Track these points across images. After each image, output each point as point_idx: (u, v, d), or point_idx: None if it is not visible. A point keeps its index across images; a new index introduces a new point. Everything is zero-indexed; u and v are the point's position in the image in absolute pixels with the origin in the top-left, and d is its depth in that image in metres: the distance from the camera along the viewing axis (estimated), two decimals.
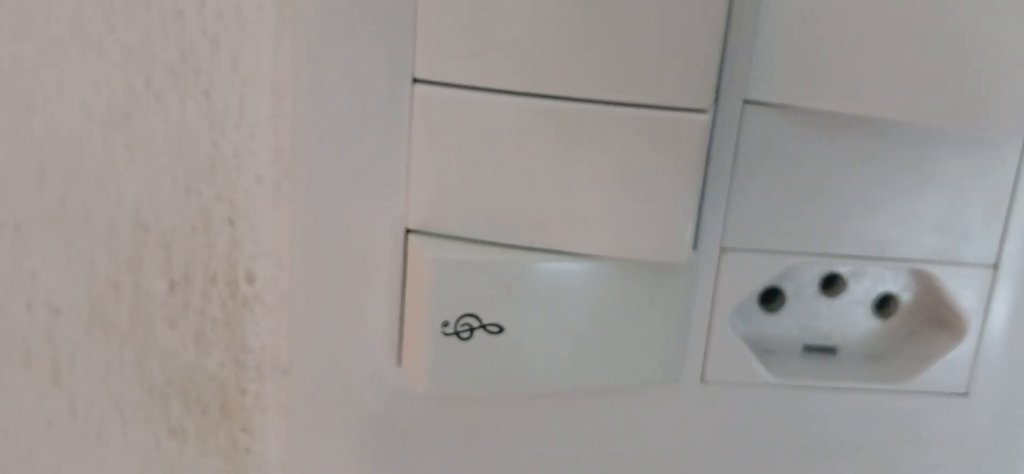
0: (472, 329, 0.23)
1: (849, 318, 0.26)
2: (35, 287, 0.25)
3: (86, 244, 0.24)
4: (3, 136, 0.24)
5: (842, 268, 0.25)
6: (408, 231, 0.23)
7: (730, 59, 0.22)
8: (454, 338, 0.23)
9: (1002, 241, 0.25)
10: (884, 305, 0.26)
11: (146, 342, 0.25)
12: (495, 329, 0.23)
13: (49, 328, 0.25)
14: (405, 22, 0.22)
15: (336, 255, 0.23)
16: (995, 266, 0.25)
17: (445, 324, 0.23)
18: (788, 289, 0.26)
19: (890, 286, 0.26)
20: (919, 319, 0.26)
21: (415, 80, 0.22)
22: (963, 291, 0.25)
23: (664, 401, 0.25)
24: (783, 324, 0.26)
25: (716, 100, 0.23)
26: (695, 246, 0.24)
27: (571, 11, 0.21)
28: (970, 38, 0.21)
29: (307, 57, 0.22)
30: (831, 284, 0.26)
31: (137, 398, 0.26)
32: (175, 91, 0.23)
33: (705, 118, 0.22)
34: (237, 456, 0.26)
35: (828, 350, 0.26)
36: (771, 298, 0.26)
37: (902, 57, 0.22)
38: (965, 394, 0.26)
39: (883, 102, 0.22)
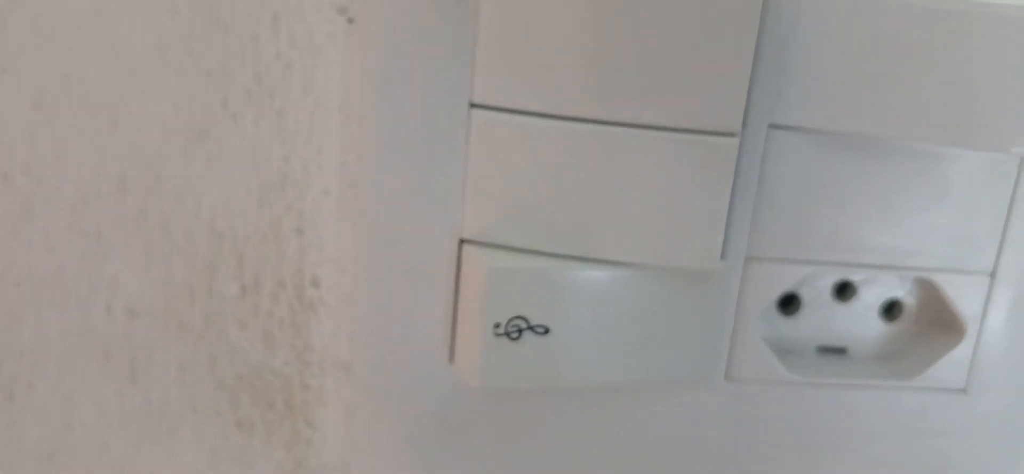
0: (521, 330, 0.25)
1: (860, 321, 0.28)
2: (115, 291, 0.27)
3: (164, 251, 0.26)
4: (88, 150, 0.26)
5: (854, 276, 0.28)
6: (462, 241, 0.26)
7: (757, 88, 0.24)
8: (504, 338, 0.25)
9: (999, 252, 0.27)
10: (891, 309, 0.28)
11: (218, 342, 0.27)
12: (542, 330, 0.25)
13: (127, 329, 0.27)
14: (465, 52, 0.24)
15: (396, 262, 0.26)
16: (992, 274, 0.27)
17: (497, 326, 0.25)
18: (805, 295, 0.28)
19: (897, 292, 0.28)
20: (923, 322, 0.28)
21: (472, 105, 0.24)
22: (963, 297, 0.27)
23: (694, 396, 0.27)
24: (800, 327, 0.28)
25: (744, 124, 0.25)
26: (723, 255, 0.26)
27: (614, 45, 0.23)
28: (969, 67, 0.24)
29: (374, 81, 0.24)
30: (843, 290, 0.28)
31: (208, 393, 0.28)
32: (250, 111, 0.25)
33: (734, 141, 0.24)
34: (299, 447, 0.28)
35: (840, 350, 0.28)
36: (789, 303, 0.28)
37: (909, 84, 0.24)
38: (964, 390, 0.28)
39: (893, 125, 0.24)
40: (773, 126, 0.25)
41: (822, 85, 0.24)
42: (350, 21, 0.25)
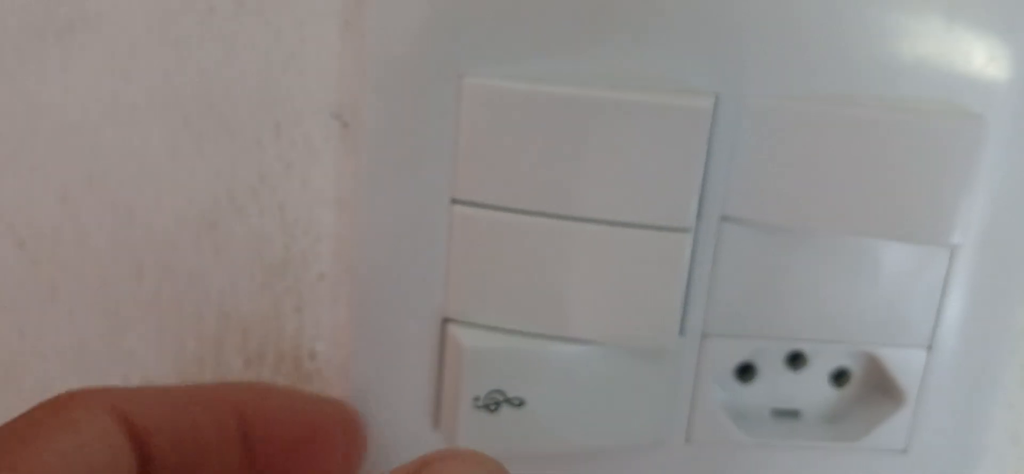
0: (499, 402, 0.28)
1: (810, 388, 0.30)
2: (131, 363, 0.30)
3: (176, 328, 0.29)
4: (108, 239, 0.28)
5: (804, 347, 0.30)
6: (445, 319, 0.28)
7: (709, 185, 0.27)
8: (483, 410, 0.28)
9: (935, 327, 0.29)
10: (839, 377, 0.30)
11: None
12: (518, 402, 0.28)
13: None
14: (447, 154, 0.26)
15: (385, 338, 0.28)
16: (930, 347, 0.29)
17: (476, 398, 0.27)
18: (759, 364, 0.30)
19: (844, 362, 0.30)
20: (868, 389, 0.30)
21: (453, 200, 0.27)
22: (902, 368, 0.29)
23: (657, 458, 0.30)
24: (755, 392, 0.30)
25: (699, 216, 0.27)
26: (682, 332, 0.28)
27: (579, 150, 0.25)
28: (899, 167, 0.26)
29: (365, 178, 0.27)
30: (795, 360, 0.30)
31: None
32: (254, 205, 0.28)
33: (688, 236, 0.27)
34: None
35: (793, 414, 0.31)
36: (745, 371, 0.30)
37: (846, 183, 0.26)
38: (904, 451, 0.30)
39: (832, 220, 0.27)
40: (724, 218, 0.28)
41: (767, 184, 0.27)
42: (344, 125, 0.27)
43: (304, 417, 0.26)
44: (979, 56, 0.27)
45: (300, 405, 0.27)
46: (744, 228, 0.28)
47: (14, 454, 0.20)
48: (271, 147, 0.27)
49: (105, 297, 0.29)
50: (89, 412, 0.22)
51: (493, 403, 0.28)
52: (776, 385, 0.30)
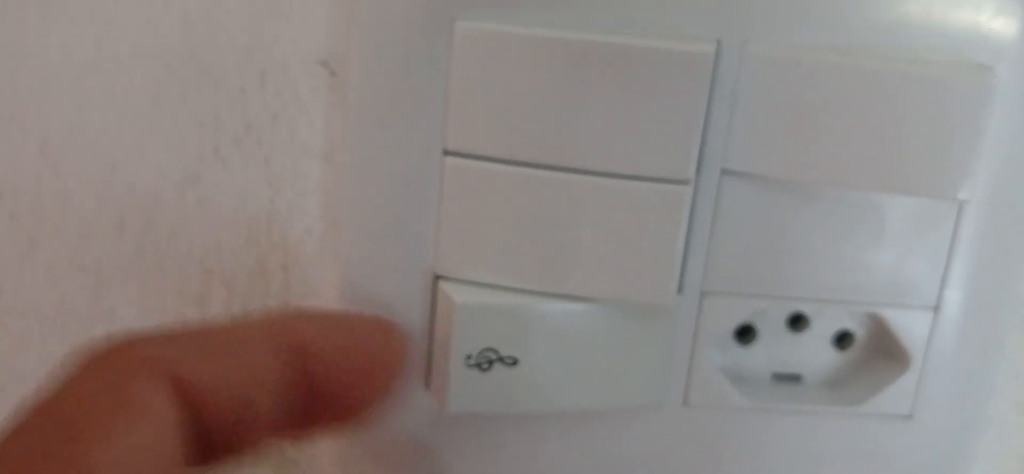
0: (491, 361, 0.27)
1: (812, 351, 0.30)
2: (112, 321, 0.29)
3: (158, 286, 0.28)
4: (89, 192, 0.27)
5: (806, 308, 0.29)
6: (437, 277, 0.27)
7: (709, 137, 0.26)
8: (475, 369, 0.27)
9: (941, 287, 0.28)
10: (842, 340, 0.30)
11: None
12: (511, 361, 0.27)
13: None
14: (438, 104, 0.25)
15: (375, 297, 0.27)
16: (936, 308, 0.29)
17: (468, 357, 0.27)
18: (759, 326, 0.29)
19: (847, 324, 0.30)
20: (871, 352, 0.30)
21: (445, 152, 0.26)
22: (908, 330, 0.29)
23: (653, 421, 0.29)
24: (755, 356, 0.30)
25: (698, 171, 0.26)
26: (680, 290, 0.27)
27: (575, 99, 0.25)
28: (906, 117, 0.25)
29: (353, 129, 0.26)
30: (796, 322, 0.29)
31: None
32: (239, 157, 0.27)
33: (688, 188, 0.26)
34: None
35: (794, 378, 0.30)
36: (745, 333, 0.29)
37: (851, 137, 0.25)
38: (909, 416, 0.30)
39: (838, 174, 0.26)
40: (725, 172, 0.27)
41: (769, 137, 0.26)
42: (332, 74, 0.27)
43: (361, 343, 0.25)
44: (988, 7, 0.26)
45: (354, 329, 0.25)
46: (745, 182, 0.27)
47: (79, 462, 0.18)
48: (256, 97, 0.27)
49: (85, 253, 0.28)
50: (152, 392, 0.19)
51: (485, 362, 0.27)
52: (776, 348, 0.30)
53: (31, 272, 0.28)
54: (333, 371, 0.23)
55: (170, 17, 0.26)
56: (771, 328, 0.29)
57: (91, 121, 0.27)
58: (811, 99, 0.25)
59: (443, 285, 0.27)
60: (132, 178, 0.27)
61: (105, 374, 0.19)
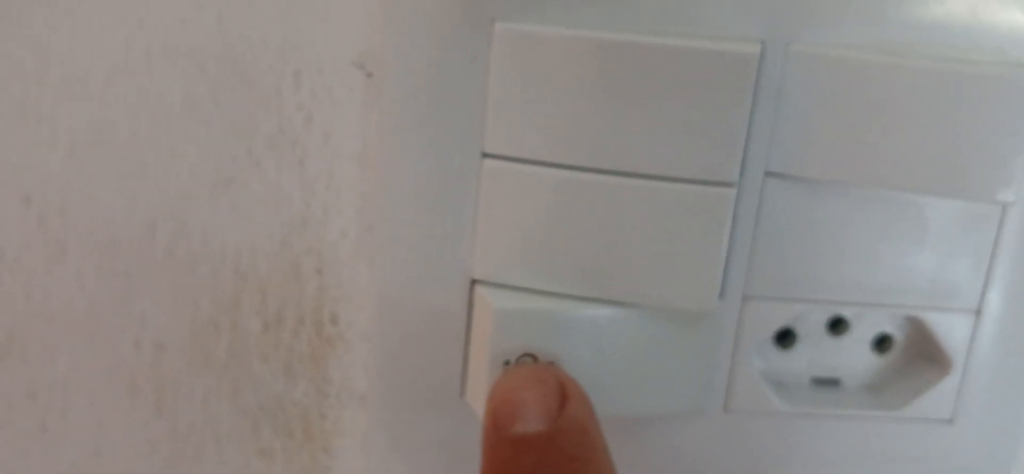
0: None
1: (852, 355, 0.29)
2: (143, 327, 0.28)
3: (190, 290, 0.28)
4: (119, 195, 0.27)
5: (846, 312, 0.29)
6: (474, 281, 0.27)
7: (753, 139, 0.26)
8: None
9: (984, 291, 0.28)
10: (882, 343, 0.29)
11: (241, 374, 0.29)
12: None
13: (154, 362, 0.28)
14: (477, 105, 0.25)
15: (411, 300, 0.27)
16: (978, 312, 0.28)
17: (506, 363, 0.26)
18: (800, 330, 0.29)
19: (887, 328, 0.29)
20: (912, 356, 0.29)
21: (484, 154, 0.26)
22: (950, 333, 0.28)
23: (694, 428, 0.29)
24: (795, 359, 0.29)
25: (742, 173, 0.26)
26: (721, 295, 0.27)
27: (617, 99, 0.24)
28: (951, 120, 0.25)
29: (390, 131, 0.26)
30: (837, 325, 0.29)
31: (231, 423, 0.29)
32: (273, 159, 0.27)
33: (732, 191, 0.25)
34: (316, 473, 0.30)
35: (833, 382, 0.30)
36: (785, 337, 0.29)
37: (894, 137, 0.25)
38: (950, 421, 0.29)
39: (880, 175, 0.26)
40: (769, 174, 0.26)
41: (812, 138, 0.26)
42: (368, 75, 0.26)
43: None
44: None
45: None
46: (788, 184, 0.26)
47: None
48: (291, 98, 0.26)
49: (115, 257, 0.28)
50: None
51: None
52: (816, 352, 0.29)
53: (60, 277, 0.28)
54: None
55: (203, 16, 0.26)
56: (811, 332, 0.29)
57: (121, 123, 0.26)
58: (855, 99, 0.25)
59: (480, 289, 0.27)
60: (163, 181, 0.27)
61: None
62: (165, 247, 0.27)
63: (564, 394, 0.24)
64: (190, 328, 0.28)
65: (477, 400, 0.27)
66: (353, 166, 0.27)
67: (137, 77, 0.26)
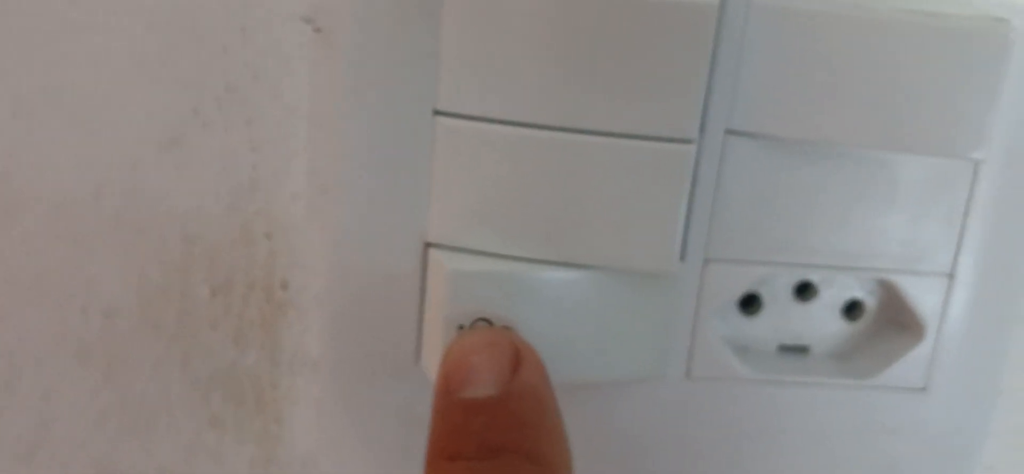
0: None
1: (820, 321, 0.29)
2: (90, 294, 0.27)
3: (138, 255, 0.27)
4: (65, 158, 0.26)
5: (813, 276, 0.28)
6: (428, 244, 0.26)
7: (714, 95, 0.25)
8: None
9: (957, 253, 0.27)
10: (851, 309, 0.29)
11: (191, 342, 0.28)
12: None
13: (102, 330, 0.28)
14: (429, 60, 0.24)
15: (363, 264, 0.26)
16: (951, 275, 0.28)
17: (461, 327, 0.26)
18: (765, 295, 0.28)
19: (857, 292, 0.28)
20: (883, 322, 0.29)
21: (436, 112, 0.25)
22: (922, 297, 0.28)
23: (654, 395, 0.28)
24: (760, 326, 0.29)
25: (701, 130, 0.25)
26: (682, 257, 0.26)
27: (574, 54, 0.23)
28: (920, 75, 0.24)
29: (341, 89, 0.25)
30: (804, 290, 0.28)
31: (181, 392, 0.28)
32: (220, 118, 0.26)
33: (691, 148, 0.24)
34: (268, 443, 0.29)
35: (801, 349, 0.29)
36: (749, 303, 0.28)
37: (862, 92, 0.24)
38: (923, 389, 0.29)
39: (848, 132, 0.25)
40: (730, 132, 0.26)
41: (776, 93, 0.25)
42: (317, 31, 0.25)
43: None
44: None
45: None
46: (751, 142, 0.26)
47: None
48: (238, 54, 0.25)
49: (61, 221, 0.27)
50: None
51: None
52: (783, 318, 0.29)
53: (6, 242, 0.27)
54: None
55: None
56: (777, 297, 0.28)
57: (66, 82, 0.26)
58: (821, 53, 0.24)
59: (434, 252, 0.26)
60: (110, 142, 0.26)
61: None
62: (112, 211, 0.27)
63: (517, 359, 0.23)
64: (138, 295, 0.27)
65: (431, 366, 0.26)
66: (303, 125, 0.26)
67: (82, 35, 0.25)
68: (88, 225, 0.27)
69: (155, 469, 0.29)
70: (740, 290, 0.27)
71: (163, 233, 0.27)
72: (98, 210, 0.27)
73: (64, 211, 0.27)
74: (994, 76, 0.24)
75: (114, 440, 0.29)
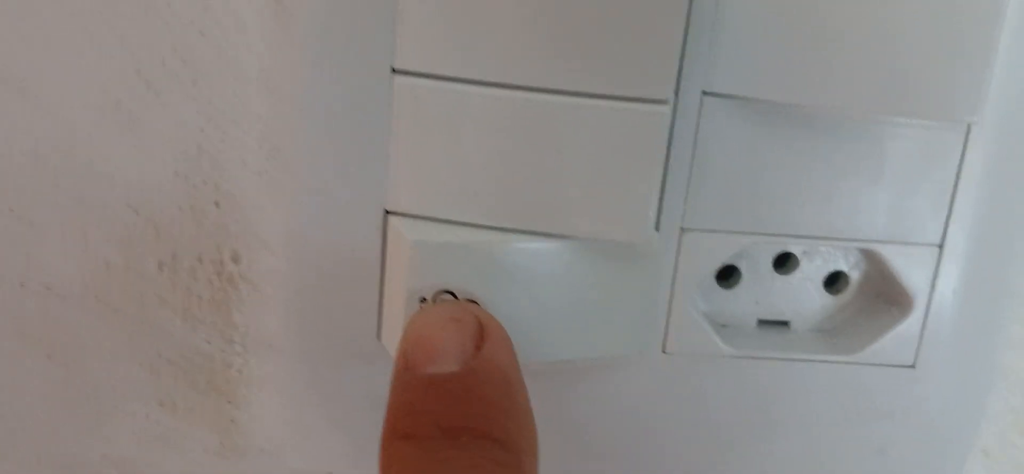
0: None
1: (801, 294, 0.27)
2: (29, 268, 0.26)
3: (79, 226, 0.25)
4: (2, 122, 0.25)
5: (794, 247, 0.27)
6: (388, 212, 0.25)
7: (690, 54, 0.24)
8: None
9: (947, 222, 0.26)
10: (834, 282, 0.27)
11: (138, 319, 0.26)
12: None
13: (44, 306, 0.26)
14: (385, 17, 0.23)
15: (320, 235, 0.25)
16: (940, 246, 0.26)
17: (423, 300, 0.24)
18: (744, 267, 0.27)
19: (840, 264, 0.27)
20: (868, 296, 0.28)
21: (394, 70, 0.23)
22: (910, 269, 0.26)
23: (629, 372, 0.27)
24: (739, 299, 0.27)
25: (677, 92, 0.24)
26: (657, 227, 0.25)
27: (540, 9, 0.22)
28: (911, 34, 0.23)
29: (292, 47, 0.23)
30: (784, 262, 0.27)
31: (129, 372, 0.27)
32: (166, 82, 0.24)
33: (666, 109, 0.23)
34: (222, 426, 0.28)
35: (781, 324, 0.28)
36: (728, 275, 0.27)
37: (849, 53, 0.23)
38: (913, 366, 0.27)
39: (833, 95, 0.23)
40: (707, 93, 0.24)
41: (757, 52, 0.23)
42: None
43: None
44: None
45: None
46: (729, 105, 0.24)
47: None
48: (184, 12, 0.24)
49: None
50: None
51: None
52: (762, 291, 0.27)
53: None
54: None
55: None
56: (756, 269, 0.27)
57: (2, 43, 0.24)
58: (802, 9, 0.23)
59: (395, 221, 0.24)
60: (46, 106, 0.24)
61: None
62: (51, 179, 0.25)
63: (482, 334, 0.22)
64: (81, 269, 0.26)
65: (392, 342, 0.25)
66: (253, 89, 0.24)
67: None
68: (26, 195, 0.25)
69: (101, 454, 0.28)
70: (718, 262, 0.26)
71: (107, 203, 0.25)
72: (35, 179, 0.25)
73: (1, 179, 0.25)
74: (987, 37, 0.23)
75: (57, 424, 0.27)
